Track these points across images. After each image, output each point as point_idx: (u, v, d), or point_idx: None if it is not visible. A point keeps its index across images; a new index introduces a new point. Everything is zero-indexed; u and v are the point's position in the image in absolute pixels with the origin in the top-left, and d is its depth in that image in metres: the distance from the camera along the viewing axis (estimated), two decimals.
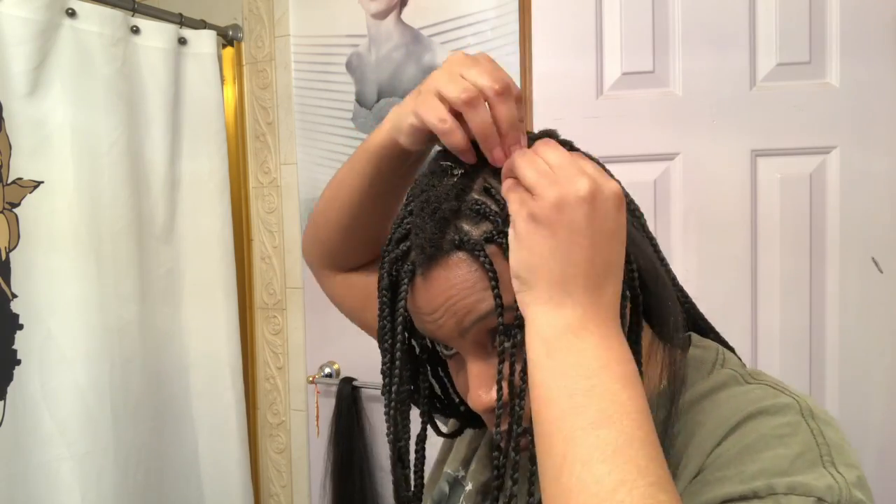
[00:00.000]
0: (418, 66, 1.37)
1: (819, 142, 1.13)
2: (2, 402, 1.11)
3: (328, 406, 1.48)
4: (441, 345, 0.51)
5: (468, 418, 0.59)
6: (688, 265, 1.18)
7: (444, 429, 0.61)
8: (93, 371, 1.19)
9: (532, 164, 0.42)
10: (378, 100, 1.42)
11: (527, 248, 0.41)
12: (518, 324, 0.44)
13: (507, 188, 0.44)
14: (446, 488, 0.63)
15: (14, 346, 1.13)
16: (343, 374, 1.49)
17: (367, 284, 0.64)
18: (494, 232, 0.44)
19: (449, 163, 0.48)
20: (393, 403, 0.50)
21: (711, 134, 1.17)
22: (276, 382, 1.60)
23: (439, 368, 0.58)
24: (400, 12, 1.38)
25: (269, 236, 1.58)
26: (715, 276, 1.17)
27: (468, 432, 0.64)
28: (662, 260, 0.52)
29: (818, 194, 1.14)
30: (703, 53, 1.17)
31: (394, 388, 0.50)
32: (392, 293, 0.49)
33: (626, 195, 0.47)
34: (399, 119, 0.50)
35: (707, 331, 0.57)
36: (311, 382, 1.50)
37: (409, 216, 0.48)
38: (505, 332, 0.44)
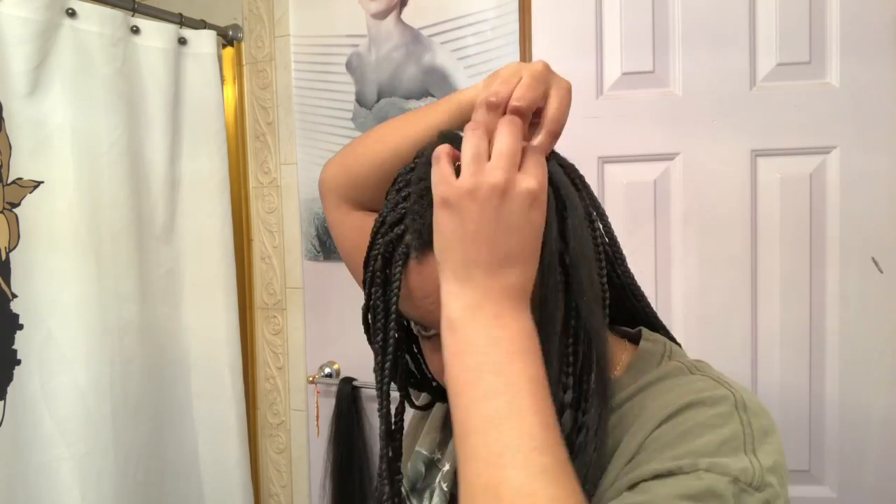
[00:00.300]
0: (418, 66, 1.37)
1: (819, 142, 1.13)
2: (2, 402, 1.11)
3: (328, 406, 1.48)
4: (421, 326, 0.53)
5: (440, 393, 0.63)
6: (688, 265, 1.18)
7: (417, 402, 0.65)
8: (93, 371, 1.19)
9: (474, 146, 0.45)
10: (378, 100, 1.42)
11: (439, 230, 0.44)
12: None
13: (436, 156, 0.46)
14: (422, 468, 0.65)
15: (14, 346, 1.13)
16: (343, 374, 1.49)
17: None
18: None
19: (448, 148, 0.49)
20: (386, 379, 0.52)
21: (711, 134, 1.17)
22: (276, 382, 1.60)
23: (413, 345, 0.61)
24: (400, 12, 1.38)
25: (269, 236, 1.58)
26: (715, 276, 1.17)
27: (440, 415, 0.67)
28: (610, 261, 0.55)
29: (818, 194, 1.14)
30: (703, 53, 1.17)
31: (387, 365, 0.52)
32: (384, 275, 0.51)
33: (583, 198, 0.51)
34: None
35: (658, 327, 0.61)
36: (311, 382, 1.50)
37: (403, 202, 0.50)
38: None
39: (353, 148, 0.66)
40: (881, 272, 1.12)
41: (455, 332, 0.44)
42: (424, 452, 0.66)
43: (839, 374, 1.14)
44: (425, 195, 0.48)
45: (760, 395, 1.17)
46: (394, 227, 0.50)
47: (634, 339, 0.59)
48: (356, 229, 0.66)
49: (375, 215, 0.53)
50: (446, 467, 0.63)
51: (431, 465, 0.65)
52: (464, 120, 0.53)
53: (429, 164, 0.49)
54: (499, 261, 0.43)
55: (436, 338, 0.51)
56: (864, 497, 1.12)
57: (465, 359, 0.43)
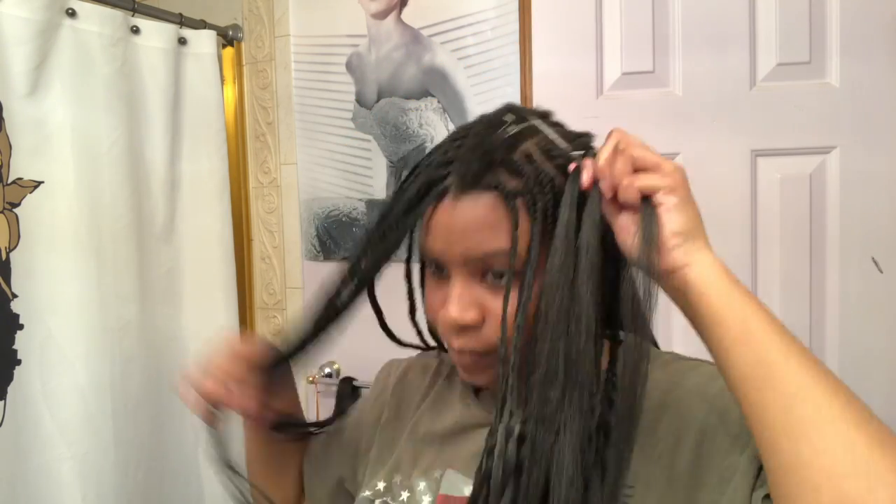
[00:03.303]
0: (418, 66, 1.37)
1: (819, 142, 1.13)
2: (2, 402, 1.11)
3: (328, 406, 1.48)
4: (434, 264, 0.56)
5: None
6: None
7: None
8: (93, 371, 1.19)
9: (644, 150, 0.49)
10: (378, 100, 1.42)
11: (685, 212, 0.49)
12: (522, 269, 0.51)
13: (622, 168, 0.48)
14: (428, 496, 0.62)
15: (14, 346, 1.13)
16: (343, 374, 1.49)
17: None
18: (525, 190, 0.50)
19: (511, 116, 0.55)
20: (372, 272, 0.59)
21: (711, 134, 1.17)
22: None
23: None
24: (400, 12, 1.38)
25: (269, 236, 1.58)
26: None
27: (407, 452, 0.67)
28: None
29: (818, 194, 1.14)
30: (703, 53, 1.17)
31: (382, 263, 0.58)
32: (412, 204, 0.55)
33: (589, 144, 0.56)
34: None
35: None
36: (311, 382, 1.50)
37: (453, 149, 0.54)
38: (511, 273, 0.50)
39: None
40: (881, 272, 1.12)
41: (735, 286, 0.47)
42: (422, 483, 0.63)
43: (839, 373, 1.13)
44: (478, 147, 0.52)
45: None
46: (440, 167, 0.54)
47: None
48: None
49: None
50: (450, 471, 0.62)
51: (431, 482, 0.62)
52: None
53: (485, 122, 0.55)
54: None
55: (443, 277, 0.55)
56: None
57: (757, 310, 0.47)
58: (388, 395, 0.74)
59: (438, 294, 0.56)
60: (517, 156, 0.52)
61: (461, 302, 0.53)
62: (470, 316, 0.53)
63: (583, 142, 0.55)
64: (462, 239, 0.52)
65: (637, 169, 0.48)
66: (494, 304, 0.53)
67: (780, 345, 0.44)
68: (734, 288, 0.47)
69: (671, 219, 0.47)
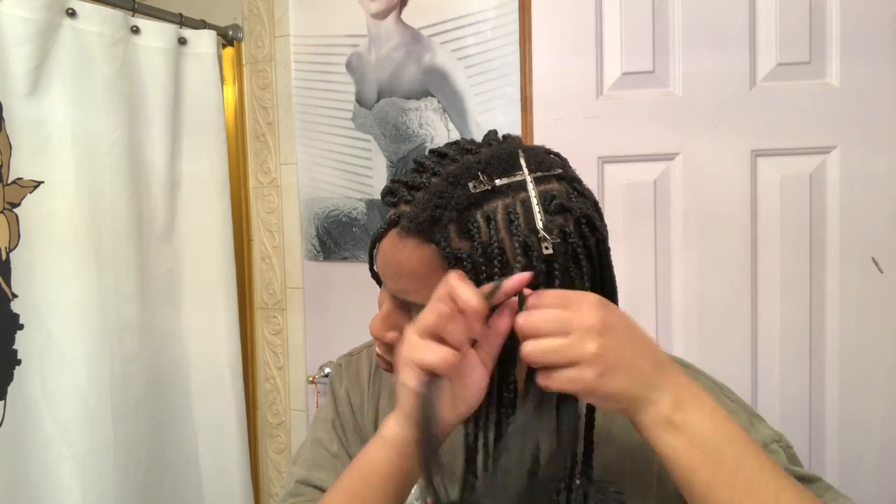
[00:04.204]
0: (418, 66, 1.37)
1: (819, 142, 1.13)
2: (2, 402, 1.11)
3: None
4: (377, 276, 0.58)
5: None
6: (688, 265, 1.18)
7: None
8: (93, 371, 1.19)
9: (531, 325, 0.46)
10: (378, 100, 1.42)
11: (614, 381, 0.45)
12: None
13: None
14: None
15: (14, 346, 1.13)
16: None
17: None
18: (468, 256, 0.48)
19: (483, 176, 0.50)
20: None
21: (711, 134, 1.17)
22: (276, 382, 1.60)
23: None
24: (400, 12, 1.38)
25: (269, 236, 1.58)
26: (715, 276, 1.17)
27: None
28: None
29: (818, 194, 1.14)
30: (703, 53, 1.17)
31: None
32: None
33: (587, 214, 0.51)
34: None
35: None
36: (311, 382, 1.50)
37: (426, 176, 0.52)
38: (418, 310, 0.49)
39: None
40: (881, 272, 1.12)
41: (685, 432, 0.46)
42: None
43: (839, 374, 1.14)
44: (441, 194, 0.49)
45: (760, 395, 1.17)
46: (409, 188, 0.53)
47: None
48: None
49: None
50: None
51: None
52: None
53: (462, 168, 0.50)
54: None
55: (392, 299, 0.57)
56: (863, 496, 1.12)
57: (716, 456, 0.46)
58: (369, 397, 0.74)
59: (382, 295, 0.59)
60: (478, 215, 0.49)
61: (385, 322, 0.57)
62: (389, 336, 0.57)
63: (557, 222, 0.49)
64: (394, 278, 0.54)
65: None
66: None
67: (727, 498, 0.45)
68: (675, 442, 0.46)
69: (605, 401, 0.46)
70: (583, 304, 0.45)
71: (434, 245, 0.49)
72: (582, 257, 0.49)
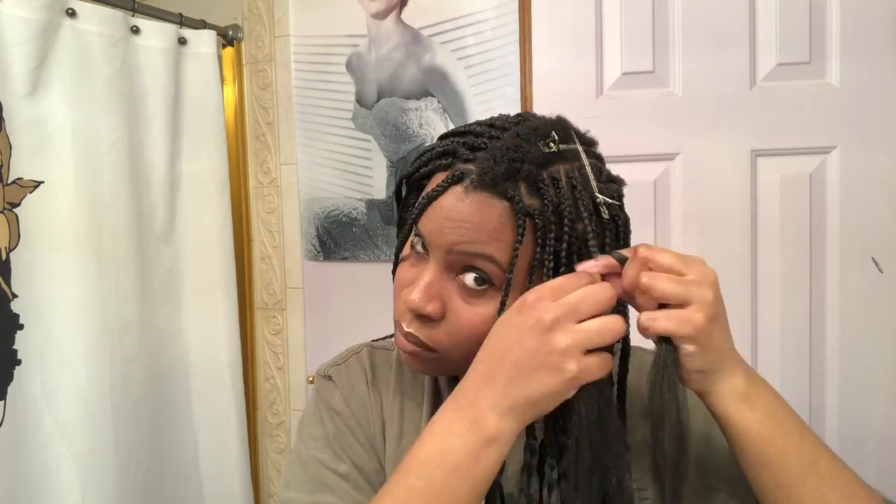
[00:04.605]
0: (418, 66, 1.37)
1: (819, 142, 1.13)
2: (2, 402, 1.11)
3: None
4: (420, 243, 0.54)
5: None
6: None
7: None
8: (93, 371, 1.19)
9: (670, 283, 0.47)
10: (378, 100, 1.42)
11: (704, 357, 0.47)
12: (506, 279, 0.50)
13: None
14: None
15: (14, 346, 1.13)
16: None
17: None
18: (539, 213, 0.49)
19: (553, 136, 0.52)
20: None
21: (711, 134, 1.17)
22: (276, 382, 1.60)
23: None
24: (400, 12, 1.38)
25: (269, 236, 1.58)
26: None
27: None
28: None
29: (818, 194, 1.14)
30: (703, 53, 1.17)
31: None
32: (422, 183, 0.57)
33: (622, 192, 0.55)
34: None
35: None
36: (311, 382, 1.50)
37: (488, 138, 0.53)
38: (507, 287, 0.50)
39: None
40: (881, 272, 1.12)
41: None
42: None
43: (839, 373, 1.14)
44: (512, 152, 0.50)
45: None
46: (467, 149, 0.53)
47: None
48: None
49: None
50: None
51: None
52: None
53: (531, 130, 0.52)
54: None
55: (424, 259, 0.54)
56: None
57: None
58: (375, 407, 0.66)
59: (412, 271, 0.55)
60: (545, 175, 0.50)
61: (427, 291, 0.52)
62: (431, 307, 0.52)
63: (614, 189, 0.53)
64: (457, 229, 0.50)
65: (662, 304, 0.47)
66: (459, 306, 0.52)
67: (797, 469, 0.47)
68: (752, 413, 0.48)
69: (689, 361, 0.47)
70: (696, 260, 0.48)
71: (506, 200, 0.49)
72: (623, 229, 0.53)
